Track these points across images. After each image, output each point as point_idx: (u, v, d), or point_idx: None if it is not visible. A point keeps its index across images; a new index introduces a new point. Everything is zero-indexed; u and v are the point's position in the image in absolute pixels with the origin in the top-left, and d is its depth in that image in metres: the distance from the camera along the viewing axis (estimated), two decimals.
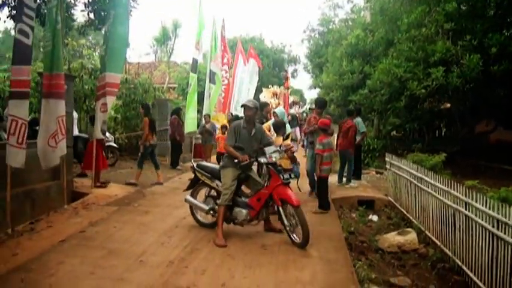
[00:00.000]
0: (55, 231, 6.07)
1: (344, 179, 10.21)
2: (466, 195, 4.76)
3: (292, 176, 5.98)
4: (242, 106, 6.14)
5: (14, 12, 10.80)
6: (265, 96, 28.56)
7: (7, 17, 11.40)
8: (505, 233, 3.92)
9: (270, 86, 29.99)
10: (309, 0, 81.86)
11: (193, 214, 6.68)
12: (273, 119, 9.05)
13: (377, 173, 12.33)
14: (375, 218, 7.71)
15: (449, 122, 16.80)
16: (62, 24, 6.62)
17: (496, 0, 10.71)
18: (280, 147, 6.22)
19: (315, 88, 33.04)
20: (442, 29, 11.97)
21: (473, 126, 14.44)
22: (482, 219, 4.34)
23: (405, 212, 7.43)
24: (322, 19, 30.55)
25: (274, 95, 28.30)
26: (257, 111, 6.16)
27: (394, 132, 19.06)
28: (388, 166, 8.93)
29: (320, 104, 9.43)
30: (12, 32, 33.13)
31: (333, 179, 10.56)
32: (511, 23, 11.65)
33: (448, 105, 14.46)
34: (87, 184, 9.14)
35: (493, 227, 4.13)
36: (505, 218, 3.91)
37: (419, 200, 6.63)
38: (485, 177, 9.69)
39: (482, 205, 4.36)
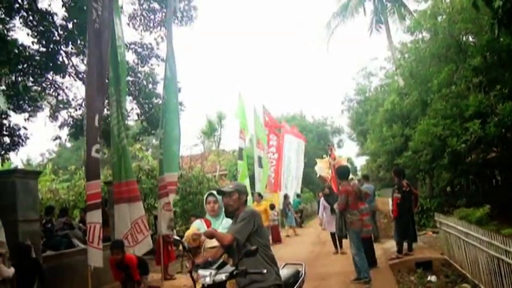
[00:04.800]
0: None
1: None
2: (504, 244, 5.07)
3: None
4: (218, 193, 4.72)
5: (73, 130, 12.20)
6: (320, 167, 28.53)
7: (67, 135, 12.79)
8: None
9: (324, 156, 29.98)
10: (342, 71, 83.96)
11: None
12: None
13: (434, 232, 12.35)
14: (433, 278, 7.83)
15: (502, 170, 16.72)
16: (126, 140, 7.60)
17: None
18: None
19: (362, 155, 33.38)
20: (471, 84, 12.38)
21: None
22: None
23: (460, 268, 7.59)
24: (358, 89, 31.44)
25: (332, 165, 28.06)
26: (241, 195, 4.38)
27: (449, 188, 18.96)
28: (438, 225, 9.18)
29: (340, 174, 9.06)
30: (68, 145, 35.95)
31: (389, 244, 10.83)
32: None
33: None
34: (157, 278, 9.76)
35: None
36: None
37: (469, 254, 6.86)
38: None
39: None
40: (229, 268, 3.83)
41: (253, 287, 4.03)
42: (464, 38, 13.76)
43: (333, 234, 11.94)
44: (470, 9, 11.35)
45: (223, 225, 4.92)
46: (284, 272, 4.62)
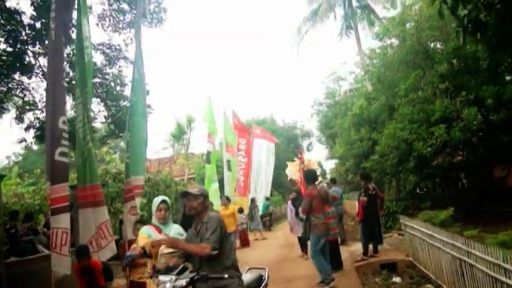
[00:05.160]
0: None
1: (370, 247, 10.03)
2: (466, 245, 5.18)
3: None
4: (183, 195, 4.52)
5: (40, 132, 11.93)
6: (290, 170, 28.37)
7: (32, 138, 12.52)
8: (505, 277, 4.30)
9: (294, 159, 29.81)
10: (312, 75, 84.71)
11: None
12: None
13: (399, 234, 12.51)
14: (397, 279, 7.95)
15: (467, 173, 17.08)
16: (92, 143, 7.47)
17: (485, 54, 11.29)
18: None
19: (331, 159, 33.67)
20: (438, 89, 12.62)
21: (487, 174, 14.66)
22: (483, 265, 4.74)
23: (424, 270, 7.72)
24: (328, 93, 31.78)
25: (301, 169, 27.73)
26: (206, 200, 4.32)
27: (417, 190, 19.27)
28: (403, 227, 9.34)
29: (306, 178, 9.23)
30: (34, 148, 35.18)
31: (356, 247, 10.93)
32: (502, 74, 12.30)
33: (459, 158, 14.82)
34: (122, 283, 9.61)
35: (493, 271, 4.52)
36: (504, 262, 4.31)
37: (432, 255, 6.99)
38: (505, 224, 9.80)
39: (481, 252, 4.77)
40: (189, 273, 3.83)
41: None
42: (431, 45, 14.06)
43: (300, 238, 11.81)
44: (437, 17, 11.58)
45: (173, 231, 4.98)
46: (247, 277, 4.62)
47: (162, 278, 3.78)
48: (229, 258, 4.10)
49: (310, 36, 31.82)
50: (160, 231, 4.93)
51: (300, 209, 9.32)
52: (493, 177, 14.88)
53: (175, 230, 5.02)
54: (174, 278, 3.73)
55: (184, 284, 3.69)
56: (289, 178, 29.21)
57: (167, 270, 3.87)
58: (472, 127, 11.24)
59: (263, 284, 4.89)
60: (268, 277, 5.10)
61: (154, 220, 5.07)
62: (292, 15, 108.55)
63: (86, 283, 6.75)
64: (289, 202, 12.46)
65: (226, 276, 3.81)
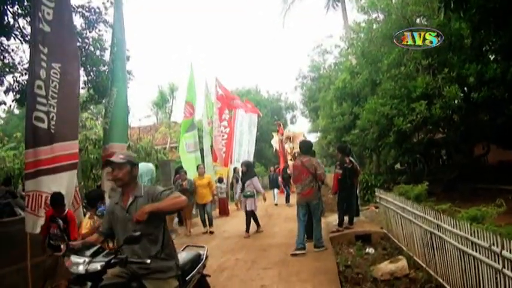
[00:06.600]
0: None
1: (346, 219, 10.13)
2: (437, 219, 5.28)
3: None
4: (106, 164, 3.88)
5: (19, 96, 11.69)
6: (276, 141, 28.23)
7: (12, 101, 12.27)
8: (472, 249, 4.39)
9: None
10: (298, 47, 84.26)
11: None
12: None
13: (376, 207, 12.69)
14: (371, 250, 8.11)
15: (447, 150, 17.29)
16: None
17: (469, 33, 11.31)
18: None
19: (314, 132, 33.82)
20: (421, 66, 12.63)
21: (468, 151, 14.79)
22: (452, 238, 4.85)
23: (397, 242, 7.87)
24: (312, 66, 31.67)
25: (288, 138, 27.60)
26: (134, 168, 3.70)
27: (397, 166, 19.46)
28: (378, 200, 9.48)
29: (300, 149, 9.45)
30: (16, 111, 34.63)
31: (332, 218, 11.09)
32: (486, 52, 12.34)
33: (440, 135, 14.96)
34: None
35: (460, 243, 4.63)
36: (472, 236, 4.40)
37: (405, 228, 7.12)
38: (482, 200, 9.97)
39: (451, 226, 4.87)
40: (104, 257, 3.34)
41: (154, 277, 3.53)
42: (416, 20, 13.97)
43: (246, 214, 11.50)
44: None
45: None
46: (182, 256, 4.15)
47: (74, 259, 3.29)
48: (158, 242, 3.59)
49: (296, 6, 31.54)
50: None
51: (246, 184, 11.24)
52: (472, 154, 15.04)
53: None
54: (87, 260, 3.26)
55: (99, 267, 3.22)
56: (274, 149, 29.23)
57: (82, 249, 3.42)
58: (452, 104, 11.32)
59: (200, 264, 4.48)
60: (206, 257, 4.73)
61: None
62: None
63: (47, 233, 6.55)
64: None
65: (148, 261, 3.33)
